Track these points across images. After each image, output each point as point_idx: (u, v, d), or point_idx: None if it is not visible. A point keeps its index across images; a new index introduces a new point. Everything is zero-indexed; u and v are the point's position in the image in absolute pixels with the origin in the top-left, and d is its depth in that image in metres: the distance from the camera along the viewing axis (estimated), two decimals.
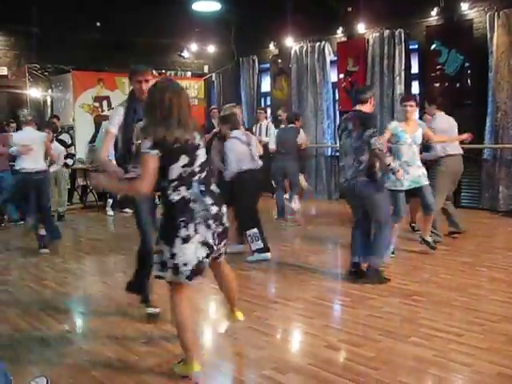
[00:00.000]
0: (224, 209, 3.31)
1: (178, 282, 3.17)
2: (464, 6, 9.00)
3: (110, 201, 9.96)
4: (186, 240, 3.09)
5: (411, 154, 5.90)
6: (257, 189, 6.54)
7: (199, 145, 3.24)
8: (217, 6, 9.20)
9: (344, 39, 11.01)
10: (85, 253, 6.81)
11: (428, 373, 3.27)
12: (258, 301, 4.68)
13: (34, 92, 11.01)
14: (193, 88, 12.92)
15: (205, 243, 3.15)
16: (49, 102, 11.54)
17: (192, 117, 3.25)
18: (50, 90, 11.41)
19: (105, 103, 11.18)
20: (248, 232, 6.08)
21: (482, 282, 5.14)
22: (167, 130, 3.06)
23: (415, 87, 9.99)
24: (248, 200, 6.21)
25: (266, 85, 13.04)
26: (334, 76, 11.28)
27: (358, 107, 5.17)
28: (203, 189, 3.20)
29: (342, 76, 10.94)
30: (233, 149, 6.14)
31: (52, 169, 8.06)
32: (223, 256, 3.51)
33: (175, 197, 3.14)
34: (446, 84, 9.28)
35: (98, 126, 10.82)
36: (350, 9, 10.51)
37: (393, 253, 5.96)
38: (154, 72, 12.58)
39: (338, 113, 11.47)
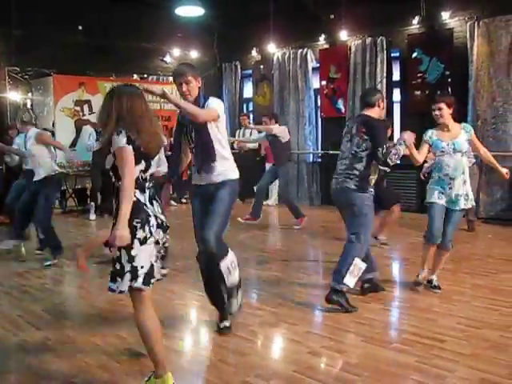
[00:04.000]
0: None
1: (136, 288, 3.00)
2: (445, 15, 9.12)
3: (93, 204, 9.88)
4: (143, 242, 2.98)
5: (453, 165, 4.85)
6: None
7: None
8: (200, 11, 9.19)
9: (326, 46, 11.08)
10: (64, 258, 6.70)
11: (411, 379, 3.26)
12: (242, 307, 4.64)
13: (13, 95, 10.85)
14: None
15: (156, 248, 3.09)
16: (29, 106, 11.38)
17: (156, 125, 3.19)
18: (29, 94, 11.27)
19: (86, 107, 11.06)
20: None
21: (464, 289, 5.17)
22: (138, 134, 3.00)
23: (396, 94, 10.08)
24: None
25: (248, 91, 13.07)
26: (316, 83, 11.35)
27: (364, 111, 4.74)
28: (153, 197, 3.14)
29: (324, 83, 11.01)
30: None
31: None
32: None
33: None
34: (427, 92, 9.37)
35: (78, 130, 10.73)
36: (332, 16, 10.57)
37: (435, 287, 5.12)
38: (134, 76, 12.63)
39: (319, 119, 11.53)
